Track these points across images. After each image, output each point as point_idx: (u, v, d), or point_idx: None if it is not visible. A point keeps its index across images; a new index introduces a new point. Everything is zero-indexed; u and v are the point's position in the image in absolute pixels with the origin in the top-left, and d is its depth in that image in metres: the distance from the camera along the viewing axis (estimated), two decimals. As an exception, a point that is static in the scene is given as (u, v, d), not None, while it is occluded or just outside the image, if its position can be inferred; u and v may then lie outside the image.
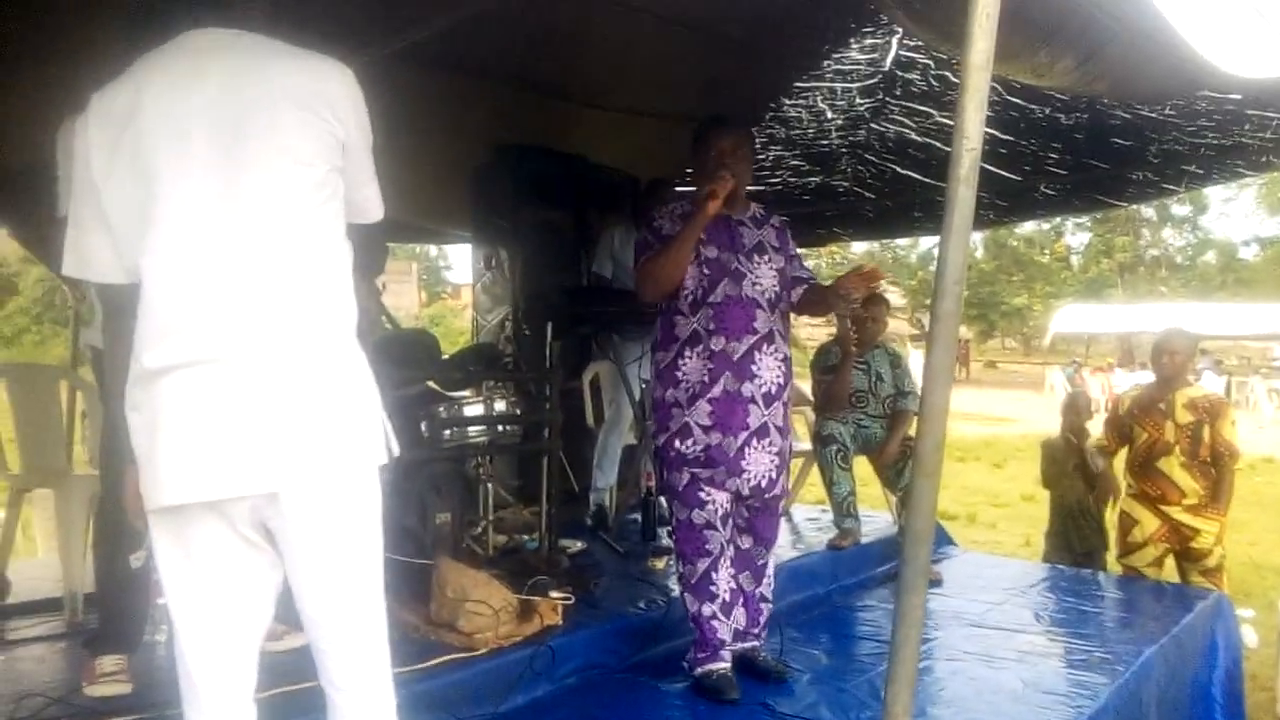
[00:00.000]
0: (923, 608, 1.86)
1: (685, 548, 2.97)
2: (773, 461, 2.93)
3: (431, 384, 3.89)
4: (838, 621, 3.83)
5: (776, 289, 2.95)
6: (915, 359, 7.03)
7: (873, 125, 6.01)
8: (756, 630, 3.11)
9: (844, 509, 4.44)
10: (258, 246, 1.56)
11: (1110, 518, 4.84)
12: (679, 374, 2.93)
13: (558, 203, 5.57)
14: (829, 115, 6.04)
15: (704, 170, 2.92)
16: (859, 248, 34.88)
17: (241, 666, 1.68)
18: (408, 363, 3.68)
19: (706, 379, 2.88)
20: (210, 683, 1.65)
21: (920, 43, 5.02)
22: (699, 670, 2.94)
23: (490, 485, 3.84)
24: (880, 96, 5.73)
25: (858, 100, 5.83)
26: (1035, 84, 3.28)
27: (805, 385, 4.84)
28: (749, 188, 3.16)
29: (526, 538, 4.03)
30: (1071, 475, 5.10)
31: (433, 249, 35.79)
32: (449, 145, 5.05)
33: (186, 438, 1.54)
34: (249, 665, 1.69)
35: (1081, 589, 4.30)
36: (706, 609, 2.93)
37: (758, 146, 5.88)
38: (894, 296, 29.94)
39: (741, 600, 3.06)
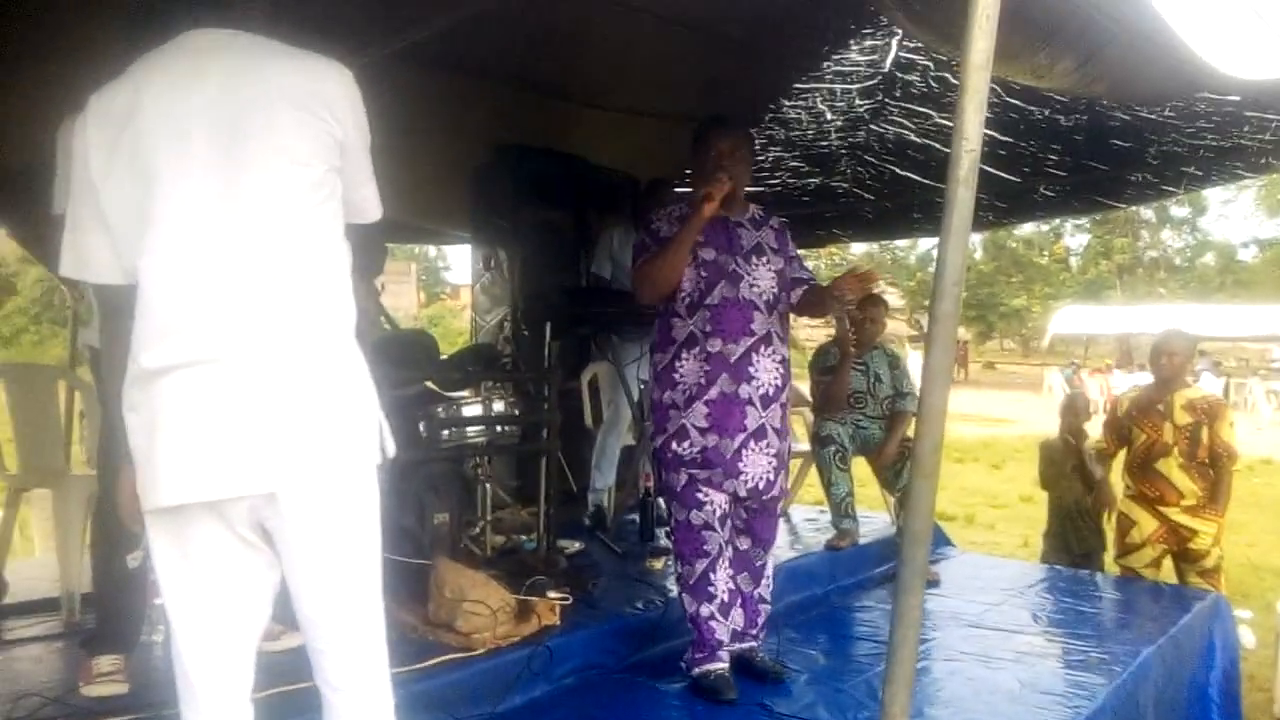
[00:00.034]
0: (920, 608, 1.86)
1: (683, 548, 2.97)
2: (770, 463, 2.93)
3: (430, 384, 3.89)
4: (835, 622, 3.83)
5: (775, 291, 2.95)
6: (914, 360, 7.03)
7: (872, 126, 6.01)
8: (754, 631, 3.12)
9: (842, 510, 4.44)
10: (256, 247, 1.56)
11: (1108, 520, 4.84)
12: (676, 376, 2.93)
13: (557, 203, 5.57)
14: (828, 116, 6.04)
15: (703, 171, 2.92)
16: (858, 249, 34.87)
17: (239, 667, 1.68)
18: (406, 363, 3.68)
19: (703, 381, 2.88)
20: (207, 683, 1.65)
21: (920, 44, 5.02)
22: (697, 670, 2.94)
23: (488, 486, 3.84)
24: (880, 98, 5.72)
25: (857, 101, 5.83)
26: (1035, 85, 3.29)
27: (803, 386, 4.84)
28: (748, 189, 3.16)
29: (524, 538, 4.03)
30: (1070, 476, 5.10)
31: (432, 249, 35.82)
32: (448, 145, 5.05)
33: (185, 438, 1.53)
34: (246, 665, 1.69)
35: (1079, 590, 4.30)
36: (704, 609, 2.93)
37: (757, 148, 5.88)
38: (892, 298, 29.98)
39: (740, 601, 3.06)
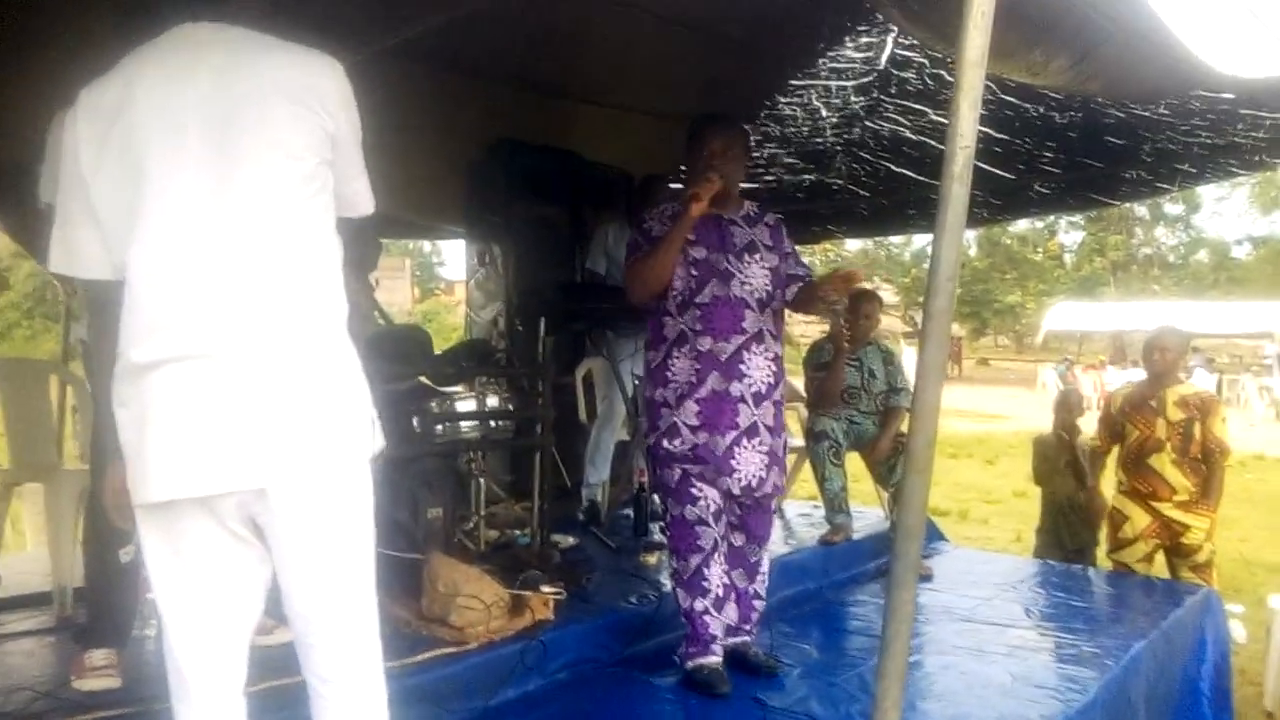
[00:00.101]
0: (913, 603, 1.87)
1: (678, 543, 2.98)
2: (763, 460, 2.93)
3: (424, 379, 3.88)
4: (829, 616, 3.84)
5: (768, 288, 2.95)
6: (908, 356, 7.03)
7: (867, 123, 6.01)
8: (748, 627, 3.12)
9: (836, 505, 4.45)
10: (247, 240, 1.56)
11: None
12: (668, 374, 2.93)
13: (552, 199, 5.57)
14: (824, 113, 6.04)
15: (696, 169, 2.92)
16: (853, 245, 34.93)
17: (231, 661, 1.68)
18: (400, 358, 3.68)
19: (694, 379, 2.89)
20: (200, 677, 1.65)
21: (915, 42, 5.02)
22: (690, 664, 2.94)
23: (482, 480, 3.84)
24: (875, 95, 5.72)
25: (852, 98, 5.83)
26: (1030, 82, 3.29)
27: (798, 382, 4.85)
28: (743, 185, 3.16)
29: (518, 533, 4.03)
30: (1063, 472, 5.11)
31: (426, 245, 35.71)
32: (444, 141, 5.04)
33: (174, 433, 1.53)
34: (239, 660, 1.69)
35: (1072, 584, 4.31)
36: (698, 604, 2.93)
37: (752, 144, 5.88)
38: (887, 294, 30.03)
39: (734, 597, 3.06)
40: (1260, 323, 22.98)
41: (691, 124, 3.03)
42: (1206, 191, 35.54)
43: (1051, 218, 33.57)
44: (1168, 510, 4.38)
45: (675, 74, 5.08)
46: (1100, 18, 2.54)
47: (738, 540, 3.07)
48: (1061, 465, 5.13)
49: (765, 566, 3.16)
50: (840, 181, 6.58)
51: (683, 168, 3.86)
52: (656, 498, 3.71)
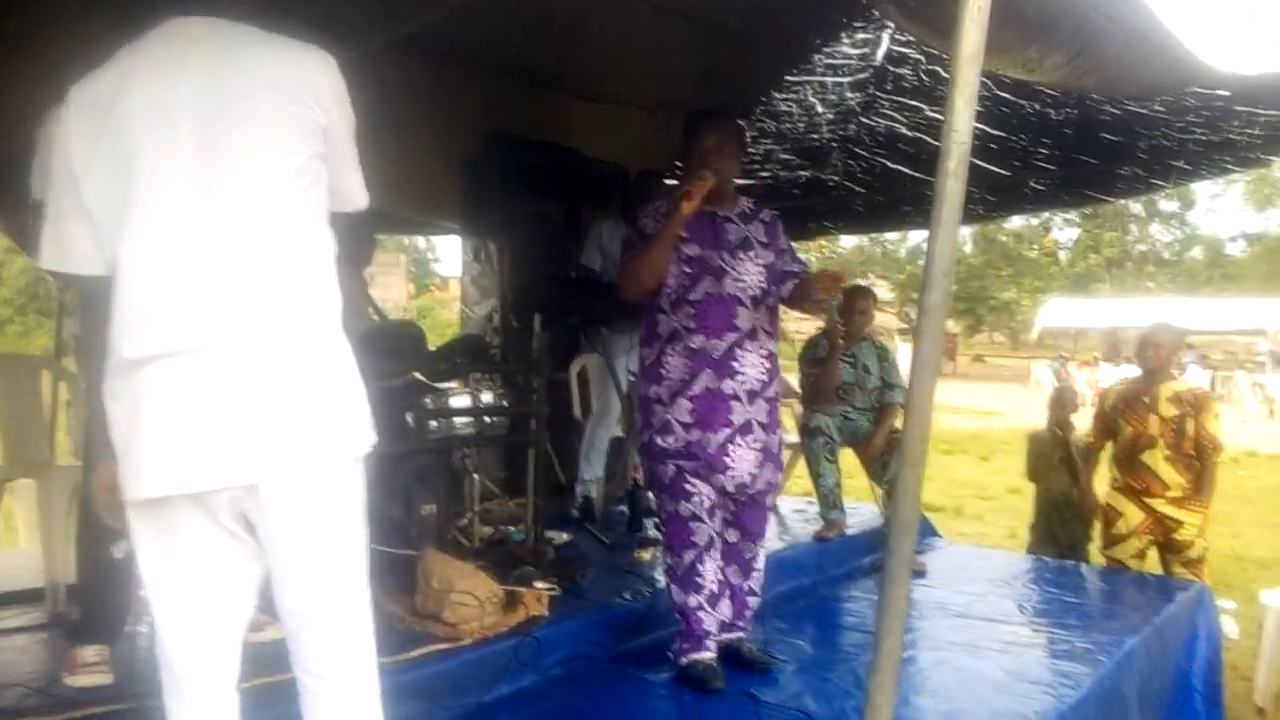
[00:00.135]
0: (907, 598, 1.87)
1: (672, 539, 2.98)
2: (757, 457, 2.93)
3: (418, 375, 3.88)
4: (823, 612, 3.85)
5: (762, 285, 2.94)
6: (903, 353, 7.03)
7: (863, 120, 6.01)
8: (742, 623, 3.12)
9: (830, 501, 4.46)
10: (238, 234, 1.55)
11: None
12: (662, 371, 2.93)
13: (547, 194, 5.55)
14: (819, 109, 6.04)
15: (691, 166, 2.91)
16: (849, 242, 34.91)
17: (224, 658, 1.67)
18: (393, 354, 3.67)
19: (687, 376, 2.89)
20: (192, 674, 1.65)
21: (911, 38, 5.02)
22: (684, 660, 2.94)
23: (476, 477, 3.84)
24: (871, 91, 5.73)
25: (848, 95, 5.83)
26: (1025, 79, 3.29)
27: (792, 378, 4.85)
28: (738, 182, 3.15)
29: (513, 529, 4.02)
30: (1057, 468, 5.13)
31: (421, 241, 35.56)
32: (438, 136, 5.02)
33: (166, 429, 1.53)
34: (231, 656, 1.68)
35: (1065, 580, 4.33)
36: (693, 600, 2.93)
37: (748, 140, 5.88)
38: (882, 290, 30.05)
39: (729, 593, 3.06)
40: (1254, 320, 23.06)
41: (687, 120, 3.02)
42: (1201, 188, 35.56)
43: (1047, 214, 33.61)
44: (1161, 506, 4.39)
45: (671, 68, 5.07)
46: (1097, 15, 2.54)
47: (732, 537, 3.06)
48: (1055, 462, 5.14)
49: (761, 563, 3.15)
50: (836, 178, 6.58)
51: (678, 163, 3.86)
52: (651, 494, 3.71)
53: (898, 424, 4.37)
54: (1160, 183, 5.95)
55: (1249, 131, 4.80)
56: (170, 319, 1.53)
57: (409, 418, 3.55)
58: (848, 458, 4.64)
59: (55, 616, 3.06)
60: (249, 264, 1.56)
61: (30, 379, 3.80)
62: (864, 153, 6.29)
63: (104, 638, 2.52)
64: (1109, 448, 4.64)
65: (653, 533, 4.17)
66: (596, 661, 3.08)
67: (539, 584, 3.15)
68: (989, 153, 5.45)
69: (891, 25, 5.04)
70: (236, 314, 1.54)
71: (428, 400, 3.67)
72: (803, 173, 6.64)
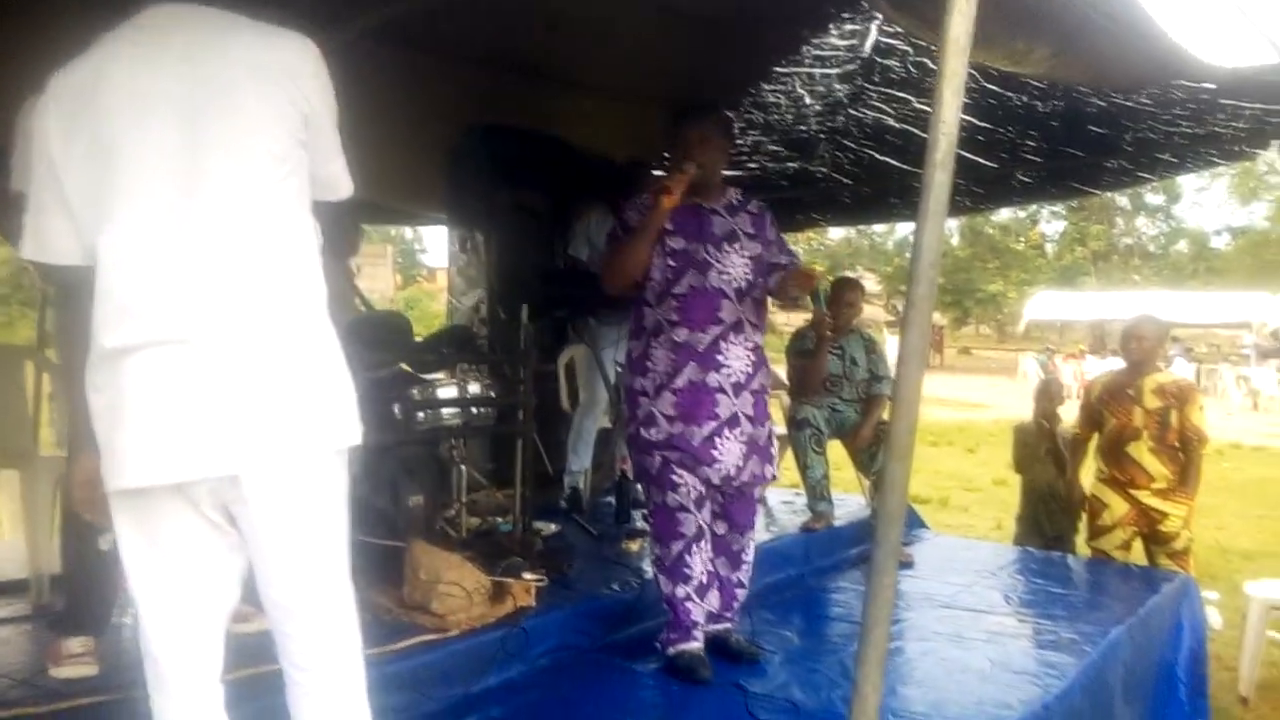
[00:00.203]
0: (893, 589, 1.87)
1: (660, 530, 2.98)
2: (743, 450, 2.93)
3: (404, 366, 3.86)
4: (810, 603, 3.86)
5: (748, 278, 2.93)
6: (891, 345, 7.04)
7: (851, 111, 6.00)
8: (730, 614, 3.13)
9: (817, 492, 4.47)
10: (219, 223, 1.54)
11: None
12: (648, 364, 2.93)
13: (533, 185, 5.53)
14: (807, 101, 6.03)
15: (676, 158, 2.91)
16: (837, 234, 35.00)
17: (207, 649, 1.66)
18: (379, 345, 3.66)
19: (672, 370, 2.88)
20: (176, 665, 1.64)
21: (899, 29, 5.02)
22: (672, 650, 2.95)
23: (464, 468, 3.82)
24: (859, 83, 5.72)
25: (836, 86, 5.82)
26: (1012, 70, 3.29)
27: (780, 370, 4.85)
28: (726, 173, 3.14)
29: (500, 520, 4.02)
30: (1043, 460, 5.14)
31: (408, 232, 35.49)
32: (424, 125, 4.99)
33: (148, 419, 1.51)
34: (215, 647, 1.67)
35: (1050, 571, 4.35)
36: (680, 590, 2.94)
37: (735, 132, 5.87)
38: (870, 283, 30.09)
39: (717, 584, 3.06)
40: (1238, 313, 23.24)
41: (673, 111, 3.01)
42: (1187, 182, 35.77)
43: (1033, 207, 33.60)
44: (1145, 498, 4.41)
45: (659, 58, 5.05)
46: (1084, 6, 2.54)
47: (721, 529, 3.07)
48: (1041, 453, 5.16)
49: (750, 555, 3.16)
50: (824, 169, 6.58)
51: (666, 154, 3.85)
52: (639, 485, 3.71)
53: (885, 416, 4.38)
54: (1146, 175, 5.98)
55: (1234, 125, 4.82)
56: (151, 309, 1.52)
57: (396, 409, 3.54)
58: (835, 449, 4.65)
59: (40, 608, 3.05)
60: (231, 253, 1.54)
61: (13, 370, 3.77)
62: (852, 144, 6.29)
63: (89, 629, 2.51)
64: (1095, 439, 4.66)
65: (640, 524, 4.17)
66: (584, 652, 3.09)
67: (526, 575, 3.15)
68: (976, 145, 5.46)
69: (879, 17, 5.03)
70: (219, 303, 1.53)
71: (414, 391, 3.66)
72: (790, 164, 6.64)
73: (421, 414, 3.67)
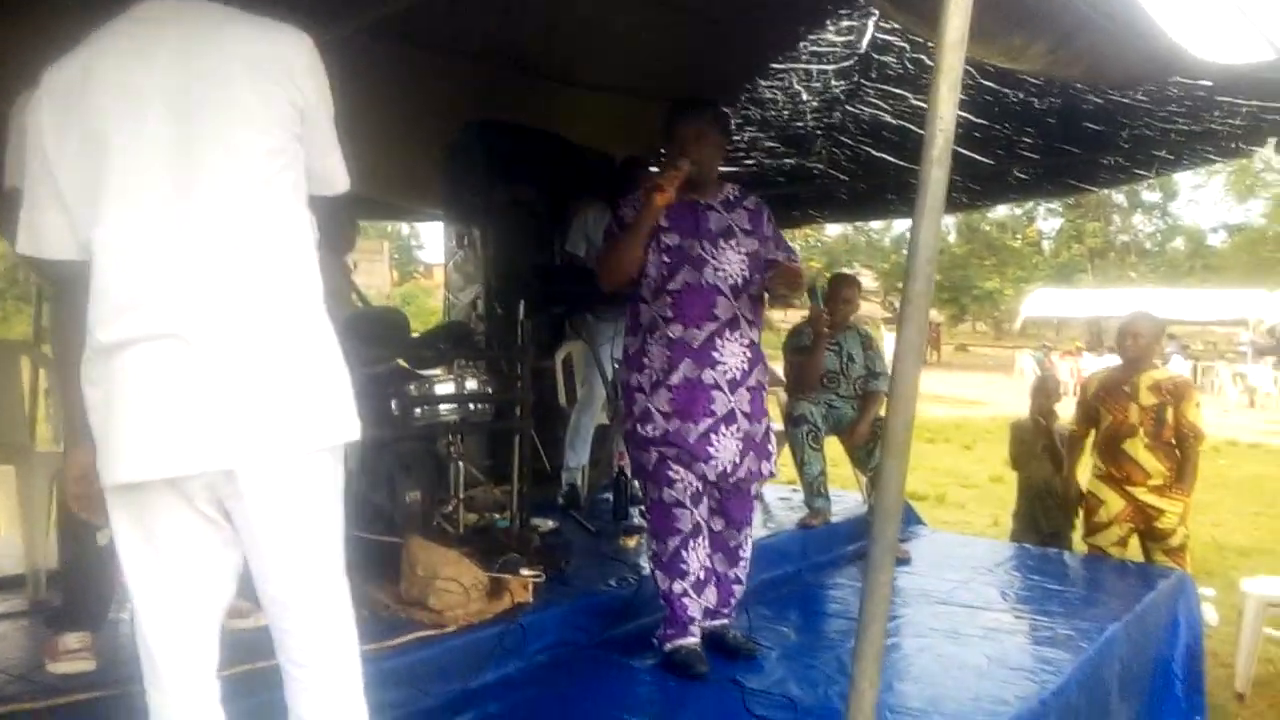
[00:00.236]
0: (890, 585, 1.88)
1: (657, 526, 2.98)
2: (739, 446, 2.93)
3: (402, 362, 3.86)
4: (807, 599, 3.86)
5: (744, 274, 2.93)
6: (888, 342, 7.05)
7: (848, 108, 6.00)
8: (727, 610, 3.13)
9: (814, 489, 4.47)
10: (213, 217, 1.54)
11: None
12: (644, 360, 2.93)
13: (531, 181, 5.53)
14: (804, 97, 6.03)
15: (671, 154, 2.90)
16: (833, 230, 35.00)
17: (202, 644, 1.66)
18: (377, 341, 3.66)
19: (667, 366, 2.88)
20: (171, 661, 1.64)
21: (896, 26, 5.02)
22: (668, 646, 2.95)
23: (461, 464, 3.83)
24: (855, 79, 5.72)
25: (833, 82, 5.82)
26: (1009, 67, 3.29)
27: (777, 366, 4.85)
28: (723, 169, 3.14)
29: (497, 516, 4.02)
30: (1039, 457, 5.15)
31: (405, 228, 35.45)
32: (420, 121, 5.00)
33: (142, 414, 1.51)
34: (210, 643, 1.67)
35: (1047, 568, 4.35)
36: (677, 586, 2.94)
37: (732, 127, 5.86)
38: (867, 279, 30.09)
39: (714, 580, 3.06)
40: (1235, 310, 23.25)
41: (669, 107, 3.00)
42: (1183, 179, 35.79)
43: (1030, 204, 33.70)
44: (1141, 495, 4.42)
45: (657, 54, 5.05)
46: (1081, 3, 2.55)
47: (718, 525, 3.07)
48: (1038, 450, 5.16)
49: (747, 551, 3.15)
50: (821, 166, 6.58)
51: (662, 150, 3.85)
52: (636, 482, 3.71)
53: (882, 412, 4.38)
54: (1143, 173, 5.98)
55: (1230, 122, 4.83)
56: (145, 303, 1.51)
57: (393, 405, 3.54)
58: (832, 446, 4.65)
59: (36, 603, 3.04)
60: (226, 247, 1.54)
61: (9, 365, 3.77)
62: (849, 141, 6.30)
63: (86, 624, 2.51)
64: (1091, 436, 4.67)
65: (638, 520, 4.17)
66: (581, 648, 3.09)
67: (524, 571, 3.15)
68: (973, 141, 5.47)
69: (876, 13, 5.03)
70: (214, 298, 1.53)
71: (412, 387, 3.66)
72: (787, 160, 6.64)
73: (419, 410, 3.67)
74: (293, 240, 1.61)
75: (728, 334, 2.90)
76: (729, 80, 5.78)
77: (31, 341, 4.49)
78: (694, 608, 2.95)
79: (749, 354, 2.95)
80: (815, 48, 5.58)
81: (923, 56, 5.16)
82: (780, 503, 4.94)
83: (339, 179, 1.76)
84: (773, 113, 6.22)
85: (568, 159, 5.57)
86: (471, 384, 3.82)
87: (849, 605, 3.67)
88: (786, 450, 4.70)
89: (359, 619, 1.73)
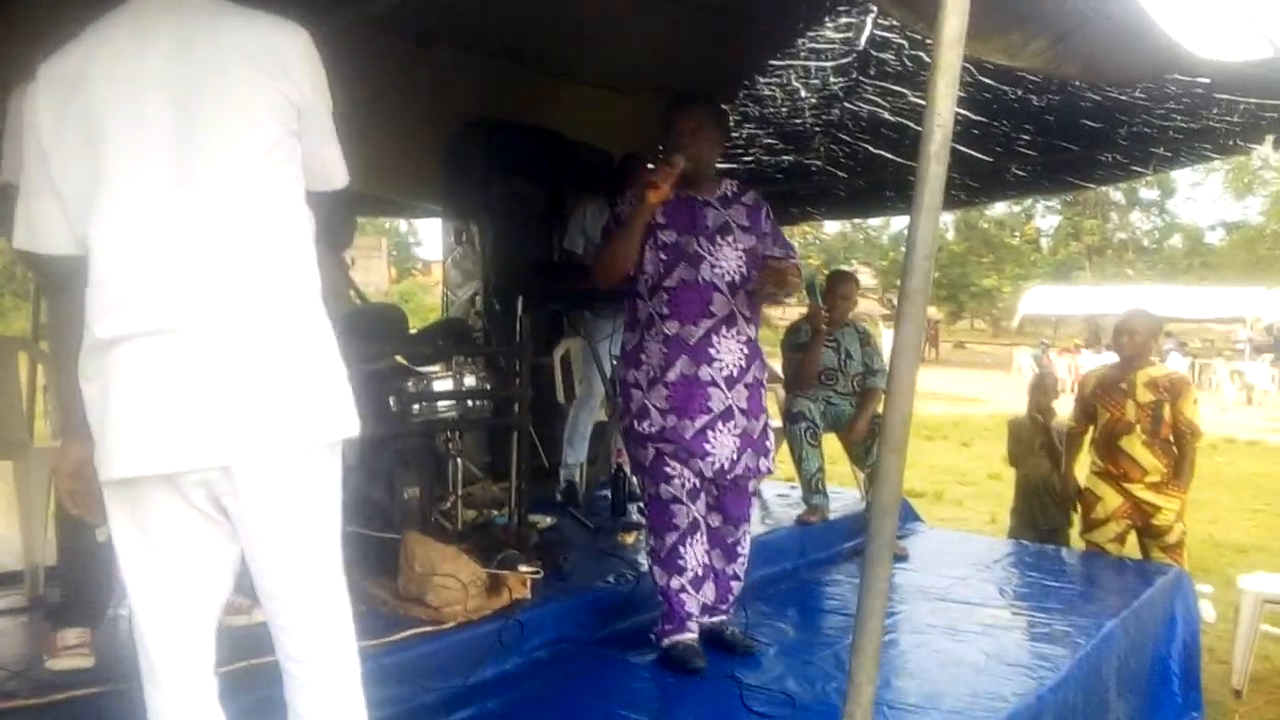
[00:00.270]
0: (888, 581, 1.88)
1: (654, 522, 2.99)
2: (737, 443, 2.93)
3: (400, 359, 3.86)
4: (805, 595, 3.87)
5: (741, 271, 2.92)
6: (886, 339, 7.05)
7: (846, 104, 6.01)
8: (725, 606, 3.13)
9: (812, 485, 4.47)
10: (210, 212, 1.53)
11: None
12: (642, 357, 2.93)
13: (529, 177, 5.53)
14: (803, 94, 6.03)
15: (669, 151, 2.90)
16: (832, 227, 34.98)
17: (199, 641, 1.66)
18: (375, 337, 3.65)
19: (664, 363, 2.88)
20: (168, 658, 1.63)
21: (895, 23, 5.02)
22: (666, 641, 2.95)
23: (460, 460, 3.83)
24: (854, 76, 5.72)
25: (831, 79, 5.82)
26: (1007, 64, 3.29)
27: (775, 363, 4.86)
28: (721, 166, 3.13)
29: (496, 513, 4.02)
30: (1037, 454, 5.16)
31: (403, 225, 35.41)
32: (418, 117, 4.99)
33: (139, 409, 1.51)
34: (208, 639, 1.67)
35: (1045, 564, 4.36)
36: (675, 582, 2.94)
37: (730, 124, 5.86)
38: (865, 277, 30.11)
39: (712, 577, 3.07)
40: (1233, 308, 23.26)
41: (666, 103, 3.00)
42: (1181, 177, 35.81)
43: (1028, 201, 33.75)
44: (1139, 491, 4.43)
45: (655, 50, 5.05)
46: (1081, 2, 2.55)
47: (715, 521, 3.07)
48: (1036, 447, 5.17)
49: (745, 548, 3.15)
50: (819, 163, 6.58)
51: (661, 147, 3.85)
52: (635, 478, 3.72)
53: (880, 409, 4.38)
54: (1140, 170, 5.98)
55: (1228, 119, 4.83)
56: (142, 299, 1.51)
57: (391, 401, 3.54)
58: (830, 443, 4.66)
59: (35, 599, 3.04)
60: (223, 242, 1.54)
61: (7, 360, 3.76)
62: (847, 138, 6.30)
63: (85, 620, 2.50)
64: (1089, 433, 4.67)
65: (636, 517, 4.18)
66: (580, 644, 3.09)
67: (522, 567, 3.15)
68: (971, 138, 5.47)
69: (875, 9, 5.03)
70: (210, 293, 1.53)
71: (410, 384, 3.66)
72: (786, 157, 6.64)
73: (417, 406, 3.67)
74: (290, 235, 1.61)
75: (724, 331, 2.89)
76: (728, 77, 5.78)
77: (30, 337, 4.48)
78: (692, 604, 2.95)
79: (746, 350, 2.94)
80: (814, 45, 5.58)
81: (921, 53, 5.16)
82: (778, 499, 4.94)
83: (337, 174, 1.75)
84: (771, 110, 6.22)
85: (566, 155, 5.57)
86: (470, 380, 3.82)
87: (847, 602, 3.68)
88: (785, 447, 4.70)
89: (357, 615, 1.73)
